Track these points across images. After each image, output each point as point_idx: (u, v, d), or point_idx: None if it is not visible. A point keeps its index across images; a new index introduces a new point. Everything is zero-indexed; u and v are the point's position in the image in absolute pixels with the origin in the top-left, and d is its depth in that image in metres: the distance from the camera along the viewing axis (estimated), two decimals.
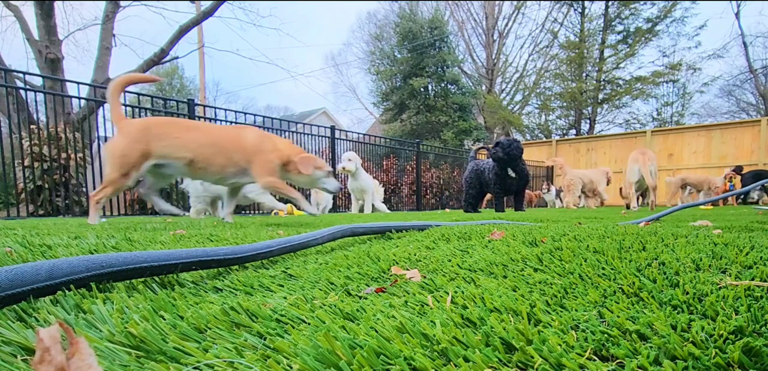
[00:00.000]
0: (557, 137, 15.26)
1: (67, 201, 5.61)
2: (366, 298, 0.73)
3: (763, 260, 0.84)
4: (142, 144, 2.38)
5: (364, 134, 10.57)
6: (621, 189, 8.41)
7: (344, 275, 0.90)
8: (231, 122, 7.30)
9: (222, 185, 2.73)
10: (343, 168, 6.02)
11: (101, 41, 9.61)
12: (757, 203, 8.12)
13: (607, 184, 8.25)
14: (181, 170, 2.55)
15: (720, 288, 0.65)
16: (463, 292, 0.71)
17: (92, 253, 1.21)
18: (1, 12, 10.04)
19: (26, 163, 5.27)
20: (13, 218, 4.80)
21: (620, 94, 18.30)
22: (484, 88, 21.82)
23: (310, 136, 8.73)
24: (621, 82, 18.32)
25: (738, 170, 8.21)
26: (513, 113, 20.18)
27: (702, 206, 6.17)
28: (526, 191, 10.83)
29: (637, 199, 5.37)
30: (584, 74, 18.91)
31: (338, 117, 28.26)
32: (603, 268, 0.84)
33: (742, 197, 8.13)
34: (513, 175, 5.44)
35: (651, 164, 4.89)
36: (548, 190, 10.90)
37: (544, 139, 17.80)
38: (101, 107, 7.91)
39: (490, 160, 5.64)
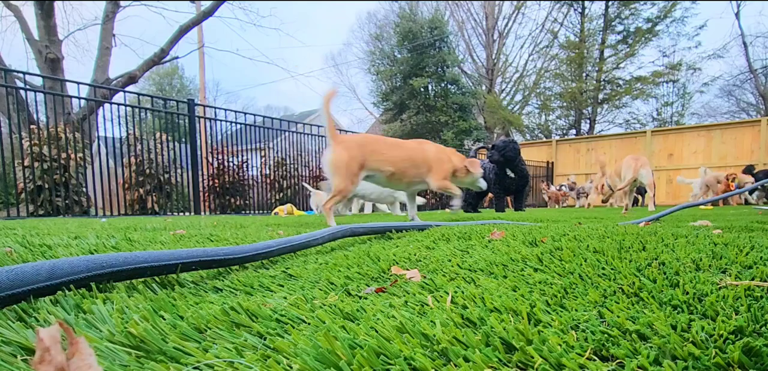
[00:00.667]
0: (557, 137, 15.27)
1: (67, 201, 5.60)
2: (366, 298, 0.73)
3: (763, 260, 0.84)
4: (361, 157, 2.71)
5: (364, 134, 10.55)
6: (602, 187, 8.47)
7: (344, 275, 0.90)
8: (231, 123, 7.31)
9: (405, 190, 3.19)
10: None
11: (101, 41, 9.61)
12: (757, 203, 8.12)
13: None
14: (382, 180, 2.92)
15: (720, 288, 0.65)
16: (463, 292, 0.71)
17: (92, 253, 1.21)
18: (1, 12, 10.05)
19: (26, 163, 5.27)
20: (13, 218, 4.79)
21: (620, 94, 18.29)
22: (484, 88, 21.80)
23: (310, 136, 8.73)
24: (621, 82, 18.32)
25: (749, 169, 8.22)
26: (513, 113, 20.17)
27: (702, 206, 6.17)
28: (548, 190, 10.71)
29: (629, 201, 5.49)
30: (584, 74, 18.90)
31: (338, 117, 28.22)
32: (603, 268, 0.84)
33: (744, 197, 8.13)
34: (512, 175, 5.45)
35: (644, 168, 5.04)
36: (547, 190, 10.90)
37: (544, 139, 17.80)
38: (101, 107, 7.93)
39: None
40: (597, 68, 18.48)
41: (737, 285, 0.64)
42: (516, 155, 5.33)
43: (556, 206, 10.38)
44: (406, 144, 3.01)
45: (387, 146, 2.86)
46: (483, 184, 3.33)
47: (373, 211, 6.51)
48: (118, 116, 6.17)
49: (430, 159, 2.96)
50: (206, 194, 7.21)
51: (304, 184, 8.11)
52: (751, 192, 7.81)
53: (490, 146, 5.54)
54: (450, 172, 3.04)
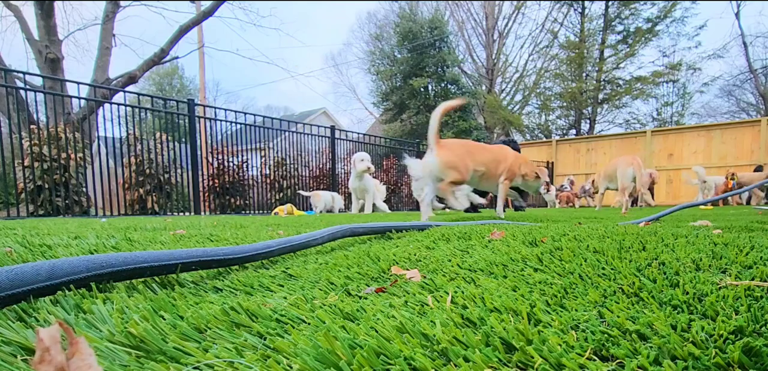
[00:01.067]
0: (557, 137, 15.26)
1: (67, 201, 5.61)
2: (366, 298, 0.73)
3: (763, 260, 0.84)
4: (467, 159, 3.17)
5: (364, 134, 10.56)
6: (592, 181, 8.51)
7: (344, 275, 0.90)
8: (231, 123, 7.32)
9: (489, 189, 3.65)
10: (367, 169, 6.03)
11: (101, 41, 9.61)
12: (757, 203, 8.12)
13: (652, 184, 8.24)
14: (474, 178, 3.33)
15: (720, 288, 0.65)
16: (463, 292, 0.71)
17: (92, 253, 1.21)
18: (1, 12, 10.05)
19: (26, 163, 5.27)
20: (13, 218, 4.80)
21: (620, 94, 18.29)
22: (484, 88, 21.80)
23: (310, 136, 8.73)
24: (621, 82, 18.32)
25: (759, 169, 8.25)
26: (513, 113, 20.16)
27: (702, 206, 6.18)
28: (560, 192, 10.63)
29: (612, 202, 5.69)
30: (584, 74, 18.90)
31: (338, 117, 28.24)
32: (603, 268, 0.84)
33: (745, 197, 8.14)
34: None
35: (642, 167, 5.32)
36: (548, 191, 10.87)
37: (544, 139, 17.79)
38: (101, 107, 7.93)
39: None
40: (597, 68, 18.48)
41: (737, 285, 0.64)
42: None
43: (569, 207, 10.23)
44: (493, 148, 3.50)
45: (479, 150, 3.34)
46: (544, 191, 3.82)
47: (373, 211, 6.51)
48: (118, 116, 6.18)
49: (509, 161, 3.48)
50: (206, 194, 7.21)
51: (300, 192, 8.12)
52: (761, 189, 7.79)
53: None
54: (518, 175, 3.56)
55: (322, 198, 7.19)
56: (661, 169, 10.85)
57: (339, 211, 7.36)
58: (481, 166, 3.27)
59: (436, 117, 3.05)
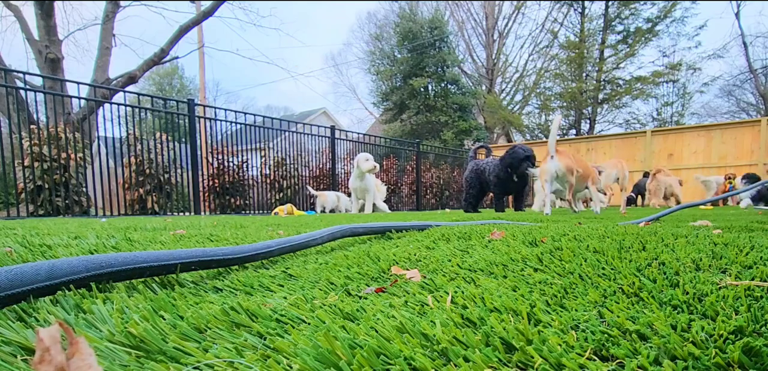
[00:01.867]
0: (557, 137, 15.22)
1: (67, 201, 5.60)
2: (366, 298, 0.73)
3: (763, 260, 0.84)
4: (576, 163, 4.21)
5: (364, 134, 10.56)
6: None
7: (344, 275, 0.90)
8: (231, 123, 7.31)
9: (581, 189, 4.61)
10: (374, 168, 6.05)
11: (101, 41, 9.61)
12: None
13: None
14: (576, 178, 4.26)
15: (720, 288, 0.65)
16: (463, 292, 0.71)
17: (92, 253, 1.21)
18: (1, 12, 10.05)
19: (26, 163, 5.27)
20: (13, 218, 4.79)
21: (620, 94, 18.27)
22: (484, 88, 21.80)
23: (310, 136, 8.73)
24: (621, 82, 18.30)
25: None
26: (513, 113, 20.16)
27: (702, 206, 6.19)
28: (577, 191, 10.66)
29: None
30: (584, 74, 18.88)
31: (338, 117, 28.26)
32: (603, 268, 0.84)
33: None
34: (515, 179, 5.54)
35: (626, 168, 6.24)
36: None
37: (544, 139, 17.78)
38: (101, 107, 7.93)
39: (490, 160, 5.77)
40: (597, 68, 18.46)
41: (737, 285, 0.64)
42: (519, 162, 5.48)
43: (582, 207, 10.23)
44: (581, 158, 4.57)
45: (577, 157, 4.38)
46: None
47: (373, 210, 6.51)
48: (118, 116, 6.17)
49: (590, 171, 4.56)
50: (206, 194, 7.21)
51: (308, 187, 8.12)
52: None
53: (501, 158, 5.65)
54: (597, 179, 4.67)
55: (327, 198, 7.25)
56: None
57: (341, 211, 7.37)
58: (581, 168, 4.36)
59: (554, 129, 4.12)
